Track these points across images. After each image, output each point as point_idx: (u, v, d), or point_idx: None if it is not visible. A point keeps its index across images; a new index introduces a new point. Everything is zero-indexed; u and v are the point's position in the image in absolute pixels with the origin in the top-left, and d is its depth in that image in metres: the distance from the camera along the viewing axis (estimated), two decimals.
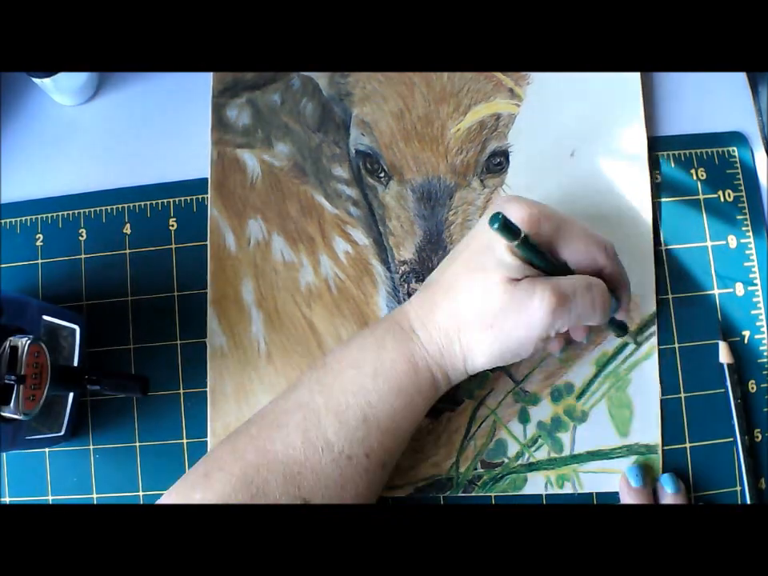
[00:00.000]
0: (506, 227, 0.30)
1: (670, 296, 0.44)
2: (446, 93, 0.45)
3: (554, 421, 0.42)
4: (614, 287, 0.37)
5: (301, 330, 0.43)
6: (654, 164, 0.45)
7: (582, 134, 0.44)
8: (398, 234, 0.44)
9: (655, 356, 0.42)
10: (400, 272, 0.43)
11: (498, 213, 0.30)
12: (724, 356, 0.42)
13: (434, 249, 0.43)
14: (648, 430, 0.42)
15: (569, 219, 0.35)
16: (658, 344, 0.43)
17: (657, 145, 0.45)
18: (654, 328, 0.42)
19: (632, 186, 0.44)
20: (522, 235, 0.31)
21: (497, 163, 0.44)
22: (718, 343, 0.43)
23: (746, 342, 0.43)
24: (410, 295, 0.43)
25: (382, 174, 0.44)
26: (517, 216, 0.32)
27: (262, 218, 0.44)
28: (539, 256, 0.33)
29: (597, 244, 0.35)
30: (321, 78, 0.45)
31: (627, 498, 0.40)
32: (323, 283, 0.43)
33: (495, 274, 0.33)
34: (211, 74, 0.45)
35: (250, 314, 0.43)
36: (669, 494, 0.40)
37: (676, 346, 0.43)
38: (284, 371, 0.43)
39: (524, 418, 0.42)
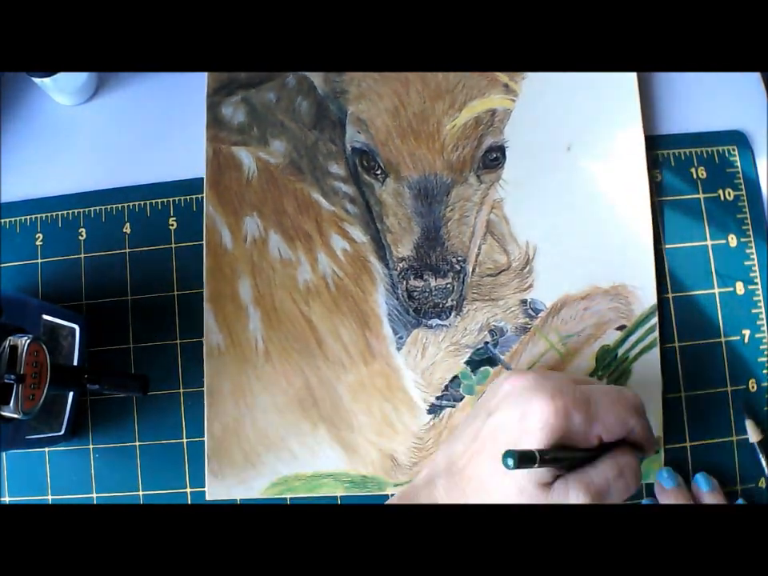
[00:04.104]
0: (524, 462, 0.28)
1: (670, 295, 0.43)
2: (441, 89, 0.44)
3: None
4: (642, 443, 0.34)
5: (299, 328, 0.43)
6: (654, 163, 0.45)
7: (579, 129, 0.44)
8: (395, 231, 0.43)
9: (656, 348, 0.42)
10: (398, 269, 0.43)
11: (510, 453, 0.28)
12: (753, 435, 0.42)
13: (431, 245, 0.43)
14: (650, 422, 0.42)
15: (595, 391, 0.32)
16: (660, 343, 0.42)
17: (657, 144, 0.45)
18: (655, 320, 0.42)
19: (629, 180, 0.44)
20: (539, 458, 0.28)
21: (493, 158, 0.44)
22: (718, 343, 0.43)
23: (745, 341, 0.43)
24: (408, 292, 0.43)
25: (379, 171, 0.44)
26: (542, 416, 0.30)
27: (259, 215, 0.44)
28: (566, 457, 0.31)
29: (627, 409, 0.32)
30: (316, 77, 0.45)
31: (665, 500, 0.40)
32: (321, 281, 0.43)
33: (527, 481, 0.31)
34: (206, 72, 0.45)
35: (248, 312, 0.43)
36: (704, 492, 0.40)
37: (676, 345, 0.43)
38: (282, 369, 0.42)
39: None
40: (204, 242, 0.44)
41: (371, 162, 0.44)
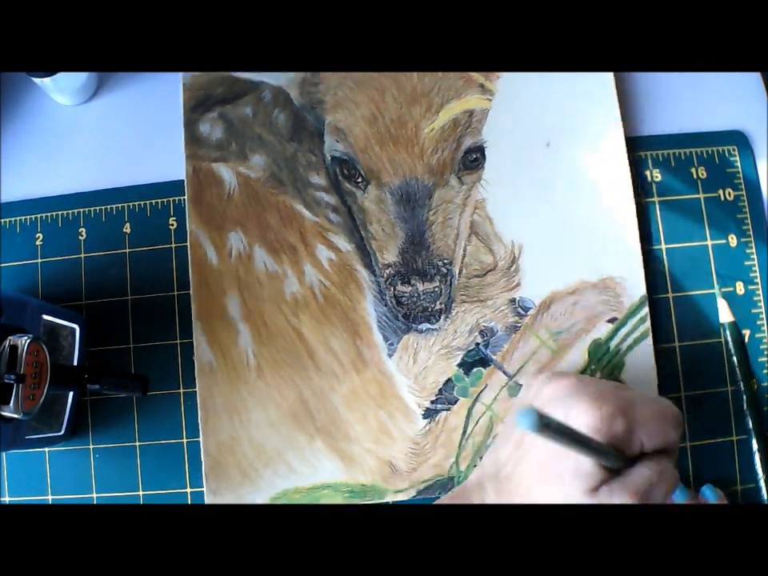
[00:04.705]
0: (546, 428, 0.23)
1: (670, 295, 0.43)
2: (417, 93, 0.45)
3: None
4: (672, 457, 0.33)
5: (289, 341, 0.43)
6: (654, 163, 0.45)
7: (557, 124, 0.44)
8: (379, 238, 0.43)
9: (649, 338, 0.42)
10: (385, 275, 0.43)
11: (529, 412, 0.22)
12: (724, 315, 0.42)
13: (417, 250, 0.43)
14: None
15: (639, 401, 0.32)
16: (656, 342, 0.42)
17: (657, 143, 0.45)
18: (646, 310, 0.42)
19: (610, 172, 0.44)
20: (557, 427, 0.25)
21: (473, 159, 0.44)
22: (718, 343, 0.43)
23: (746, 341, 0.43)
24: (396, 298, 0.43)
25: (360, 179, 0.44)
26: (586, 420, 0.30)
27: (242, 230, 0.44)
28: (608, 456, 0.30)
29: (668, 420, 0.32)
30: (291, 89, 0.45)
31: None
32: (309, 292, 0.43)
33: (574, 488, 0.30)
34: (181, 90, 0.45)
35: (237, 328, 0.43)
36: (711, 504, 0.39)
37: (676, 344, 0.43)
38: (275, 383, 0.42)
39: None
40: (189, 260, 0.43)
41: (352, 171, 0.44)
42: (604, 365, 0.42)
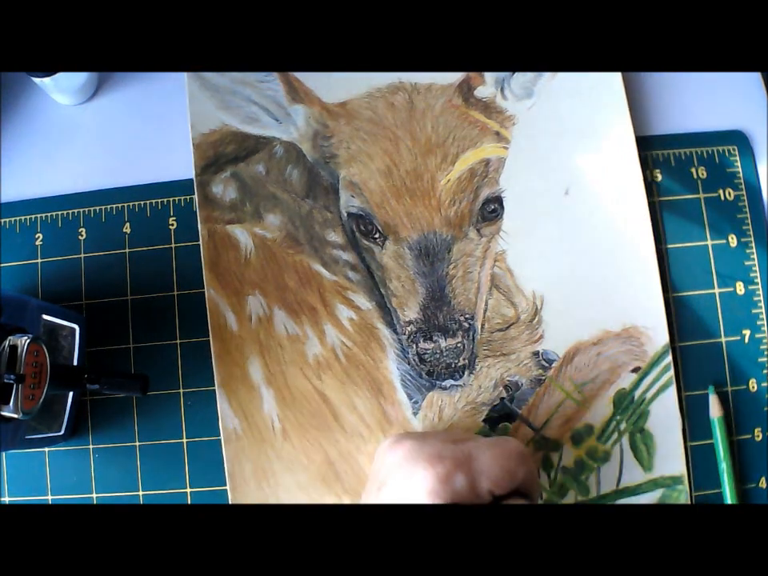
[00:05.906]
0: None
1: (671, 295, 0.43)
2: (431, 144, 0.44)
3: (577, 464, 0.42)
4: (530, 492, 0.33)
5: (314, 403, 0.42)
6: (654, 163, 0.45)
7: (575, 171, 0.44)
8: (400, 295, 0.43)
9: (673, 386, 0.42)
10: (407, 333, 0.43)
11: None
12: (715, 410, 0.42)
13: (438, 305, 0.43)
14: (672, 461, 0.42)
15: (477, 447, 0.32)
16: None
17: (657, 144, 0.45)
18: (669, 359, 0.42)
19: (632, 220, 0.43)
20: None
21: (491, 210, 0.43)
22: (718, 343, 0.43)
23: (746, 341, 0.43)
24: (419, 355, 0.43)
25: (377, 235, 0.43)
26: (426, 484, 0.30)
27: (261, 293, 0.43)
28: None
29: (513, 460, 0.32)
30: (303, 143, 0.44)
31: None
32: (330, 353, 0.43)
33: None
34: (192, 149, 0.44)
35: (260, 393, 0.42)
36: None
37: (677, 345, 0.43)
38: (301, 447, 0.42)
39: (547, 466, 0.42)
40: (209, 327, 0.43)
41: (368, 226, 0.43)
42: (629, 414, 0.42)
